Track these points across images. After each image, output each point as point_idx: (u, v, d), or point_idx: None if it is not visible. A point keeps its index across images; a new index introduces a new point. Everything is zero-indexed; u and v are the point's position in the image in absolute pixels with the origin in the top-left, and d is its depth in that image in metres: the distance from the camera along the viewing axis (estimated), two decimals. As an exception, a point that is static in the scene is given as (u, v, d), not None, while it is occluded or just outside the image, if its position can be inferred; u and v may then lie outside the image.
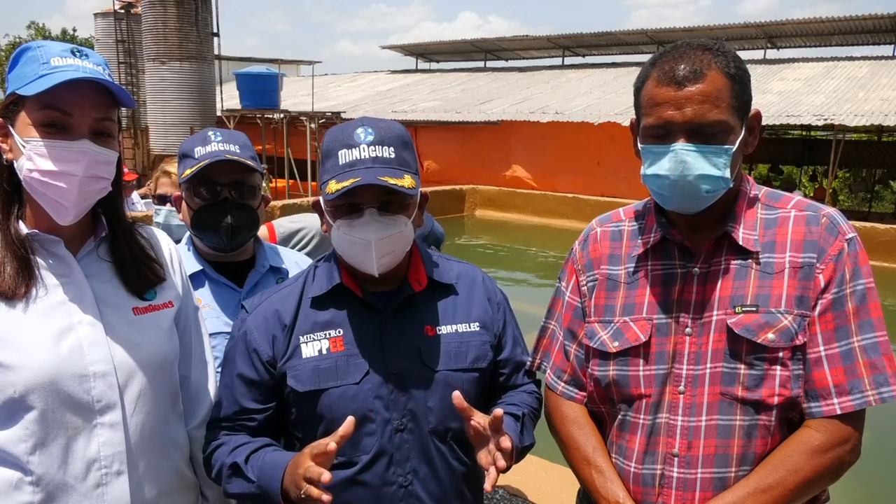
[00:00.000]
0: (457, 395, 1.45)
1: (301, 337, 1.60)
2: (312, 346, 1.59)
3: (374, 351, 1.59)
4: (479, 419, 1.46)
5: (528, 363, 1.78)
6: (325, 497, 1.34)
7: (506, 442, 1.43)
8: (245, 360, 1.62)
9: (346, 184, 1.47)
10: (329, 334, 1.60)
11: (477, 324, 1.68)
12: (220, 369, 1.78)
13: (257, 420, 1.63)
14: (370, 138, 1.53)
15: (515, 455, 1.57)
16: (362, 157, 1.51)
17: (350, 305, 1.63)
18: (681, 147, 1.45)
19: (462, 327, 1.66)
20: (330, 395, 1.56)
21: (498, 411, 1.43)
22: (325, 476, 1.34)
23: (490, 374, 1.72)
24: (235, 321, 1.71)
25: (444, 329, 1.65)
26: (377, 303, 1.62)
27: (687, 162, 1.44)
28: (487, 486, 1.41)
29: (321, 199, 1.61)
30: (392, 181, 1.48)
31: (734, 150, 1.45)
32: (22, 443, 1.39)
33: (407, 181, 1.51)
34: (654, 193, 1.54)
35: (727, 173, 1.45)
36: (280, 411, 1.64)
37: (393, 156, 1.53)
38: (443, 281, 1.69)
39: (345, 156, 1.52)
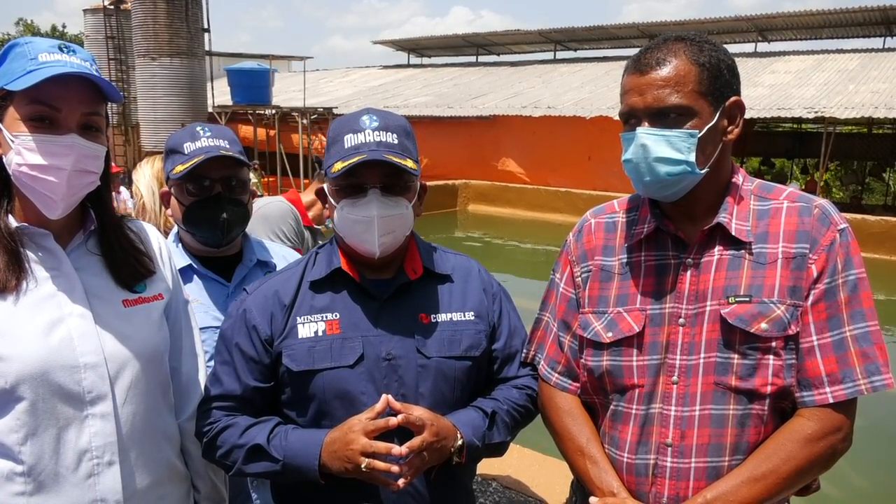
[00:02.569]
0: (388, 397, 1.53)
1: (298, 318, 1.63)
2: (309, 328, 1.62)
3: (369, 336, 1.62)
4: (415, 413, 1.53)
5: (524, 355, 1.79)
6: (395, 468, 1.45)
7: (403, 448, 1.48)
8: (245, 337, 1.64)
9: (352, 160, 1.52)
10: (326, 317, 1.63)
11: (472, 313, 1.71)
12: (210, 363, 1.79)
13: (253, 397, 1.65)
14: (375, 124, 1.59)
15: (468, 453, 1.59)
16: (367, 140, 1.57)
17: (348, 291, 1.66)
18: (642, 131, 1.49)
19: (456, 316, 1.69)
20: (324, 376, 1.59)
21: (393, 421, 1.50)
22: (396, 449, 1.46)
23: (486, 363, 1.74)
24: (234, 302, 1.73)
25: (439, 317, 1.67)
26: (374, 289, 1.65)
27: (647, 145, 1.48)
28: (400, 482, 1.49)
29: (325, 184, 1.65)
30: (397, 160, 1.54)
31: (700, 134, 1.47)
32: (13, 433, 1.40)
33: (409, 164, 1.57)
34: (631, 180, 1.57)
35: (691, 157, 1.47)
36: (275, 391, 1.66)
37: (396, 142, 1.59)
38: (438, 271, 1.72)
39: (350, 140, 1.58)
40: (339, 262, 1.66)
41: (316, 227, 2.90)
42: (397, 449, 1.46)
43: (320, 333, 1.61)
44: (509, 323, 1.78)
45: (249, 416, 1.64)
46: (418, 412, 1.52)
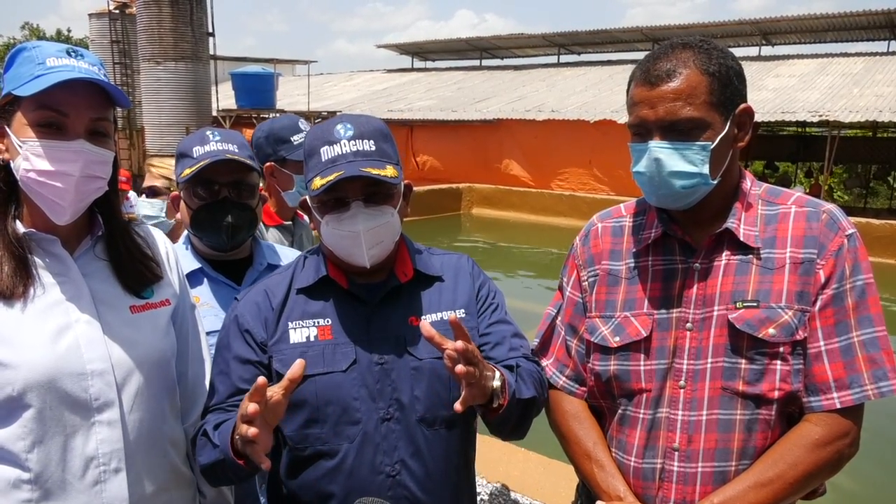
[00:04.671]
0: (422, 323, 1.36)
1: (290, 323, 1.62)
2: (300, 333, 1.61)
3: (360, 341, 1.60)
4: (453, 347, 1.33)
5: (529, 349, 1.75)
6: (251, 430, 1.29)
7: (458, 344, 1.30)
8: (239, 341, 1.63)
9: (329, 178, 1.50)
10: (318, 322, 1.62)
11: (462, 310, 1.68)
12: None
13: None
14: (350, 133, 1.56)
15: (509, 398, 1.46)
16: (344, 151, 1.54)
17: (337, 296, 1.64)
18: (655, 145, 1.48)
19: (447, 315, 1.64)
20: (316, 382, 1.57)
21: (452, 316, 1.36)
22: (252, 408, 1.27)
23: None
24: (228, 310, 1.72)
25: (430, 318, 1.64)
26: (364, 294, 1.64)
27: (660, 159, 1.47)
28: (457, 405, 1.33)
29: (307, 196, 1.63)
30: (375, 171, 1.51)
31: (713, 146, 1.46)
32: (20, 441, 1.39)
33: (389, 171, 1.54)
34: (642, 190, 1.56)
35: (705, 169, 1.46)
36: None
37: (373, 148, 1.56)
38: (428, 272, 1.70)
39: (327, 152, 1.55)
40: (325, 270, 1.65)
41: (286, 223, 2.82)
42: (253, 407, 1.28)
43: (312, 339, 1.60)
44: (495, 311, 1.72)
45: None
46: (450, 345, 1.33)
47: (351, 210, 1.54)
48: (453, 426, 1.61)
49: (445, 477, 1.63)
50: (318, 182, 1.52)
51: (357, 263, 1.58)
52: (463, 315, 1.68)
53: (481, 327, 1.70)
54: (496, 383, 1.43)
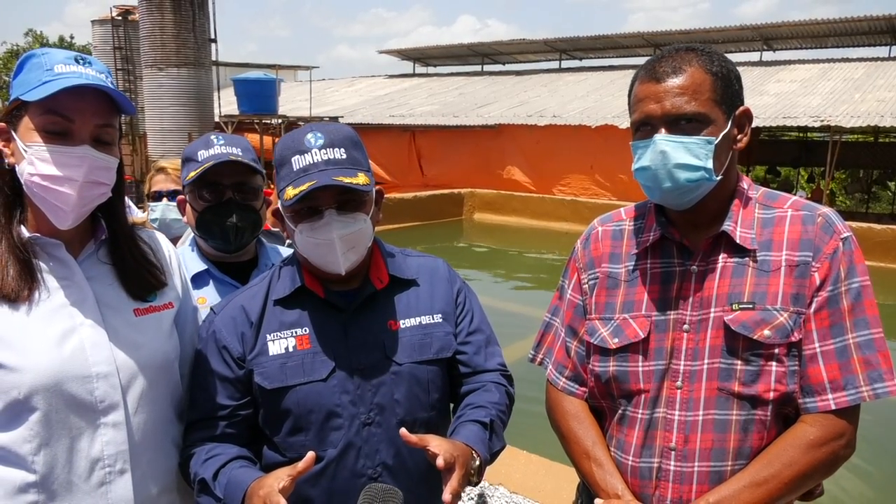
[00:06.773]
0: (403, 431, 1.45)
1: (268, 335, 1.64)
2: (279, 344, 1.63)
3: (339, 348, 1.62)
4: (435, 448, 1.43)
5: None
6: None
7: (447, 495, 1.39)
8: (216, 358, 1.65)
9: (302, 188, 1.51)
10: (295, 332, 1.63)
11: (440, 315, 1.71)
12: None
13: (234, 417, 1.65)
14: (320, 142, 1.57)
15: (483, 471, 1.55)
16: (315, 160, 1.55)
17: (314, 305, 1.66)
18: (660, 138, 1.50)
19: (425, 319, 1.70)
20: (297, 391, 1.59)
21: (440, 462, 1.40)
22: (283, 484, 1.36)
23: (455, 361, 1.74)
24: (203, 323, 1.73)
25: (408, 322, 1.68)
26: (341, 302, 1.65)
27: (666, 151, 1.49)
28: None
29: (279, 206, 1.63)
30: (347, 180, 1.52)
31: (717, 141, 1.49)
32: (27, 443, 1.41)
33: (361, 179, 1.55)
34: (643, 187, 1.58)
35: (709, 164, 1.49)
36: (254, 407, 1.66)
37: (344, 156, 1.58)
38: (404, 276, 1.72)
39: (298, 161, 1.56)
40: (301, 280, 1.66)
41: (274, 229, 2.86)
42: (283, 483, 1.38)
43: (291, 349, 1.62)
44: (472, 318, 1.77)
45: (220, 443, 1.63)
46: (435, 445, 1.43)
47: (324, 218, 1.55)
48: (432, 427, 1.64)
49: (425, 475, 1.65)
50: (291, 192, 1.53)
51: (332, 270, 1.60)
52: (440, 320, 1.71)
53: (460, 336, 1.74)
54: (475, 465, 1.51)
